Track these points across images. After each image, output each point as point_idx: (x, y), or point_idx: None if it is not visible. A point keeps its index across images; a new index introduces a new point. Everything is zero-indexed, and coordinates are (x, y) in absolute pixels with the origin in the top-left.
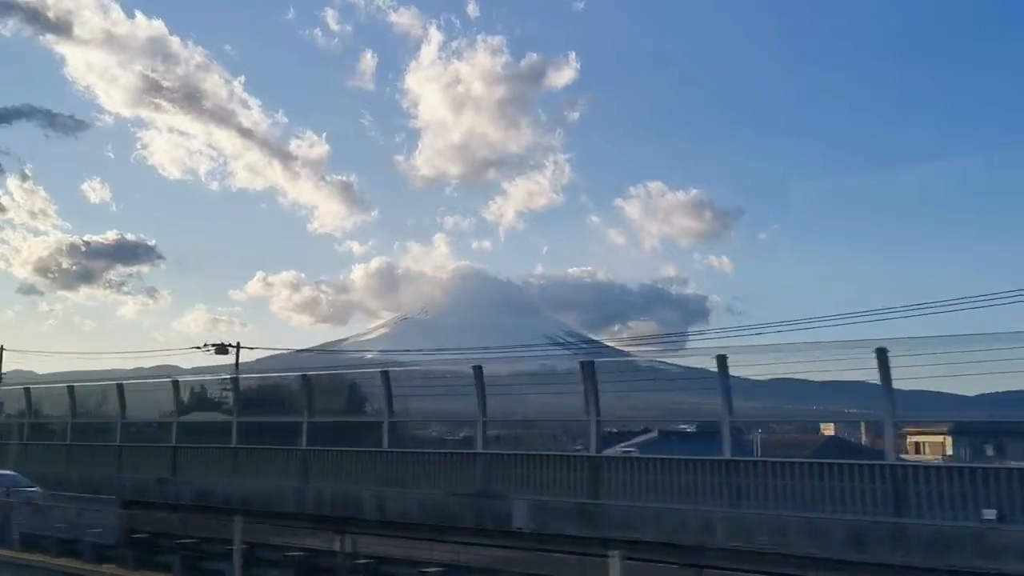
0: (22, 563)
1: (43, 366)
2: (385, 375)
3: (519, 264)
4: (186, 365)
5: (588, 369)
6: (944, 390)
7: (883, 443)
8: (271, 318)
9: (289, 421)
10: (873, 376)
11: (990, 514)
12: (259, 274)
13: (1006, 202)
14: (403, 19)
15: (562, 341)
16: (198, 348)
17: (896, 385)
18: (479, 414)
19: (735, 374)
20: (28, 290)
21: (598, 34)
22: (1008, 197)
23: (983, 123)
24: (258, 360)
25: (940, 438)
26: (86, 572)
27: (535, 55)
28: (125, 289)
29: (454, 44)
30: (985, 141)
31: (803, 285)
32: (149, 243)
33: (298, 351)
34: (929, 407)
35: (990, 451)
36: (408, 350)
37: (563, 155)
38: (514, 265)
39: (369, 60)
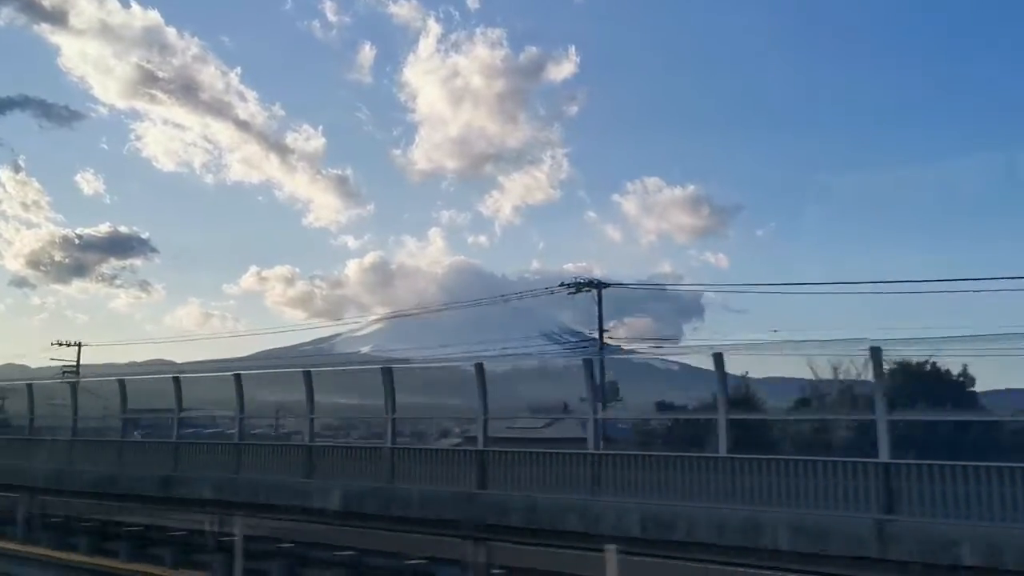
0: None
1: (36, 360)
2: (718, 356)
3: (515, 259)
4: (179, 359)
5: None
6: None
7: None
8: (265, 313)
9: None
10: None
11: None
12: (253, 268)
13: (1007, 204)
14: (403, 11)
15: (557, 338)
16: None
17: None
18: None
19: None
20: (20, 283)
21: (598, 28)
22: (1011, 198)
23: (989, 124)
24: (253, 355)
25: None
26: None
27: (535, 49)
28: (118, 282)
29: (453, 37)
30: (989, 142)
31: (802, 282)
32: (142, 236)
33: (293, 346)
34: None
35: None
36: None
37: (561, 150)
38: (510, 260)
39: (367, 53)
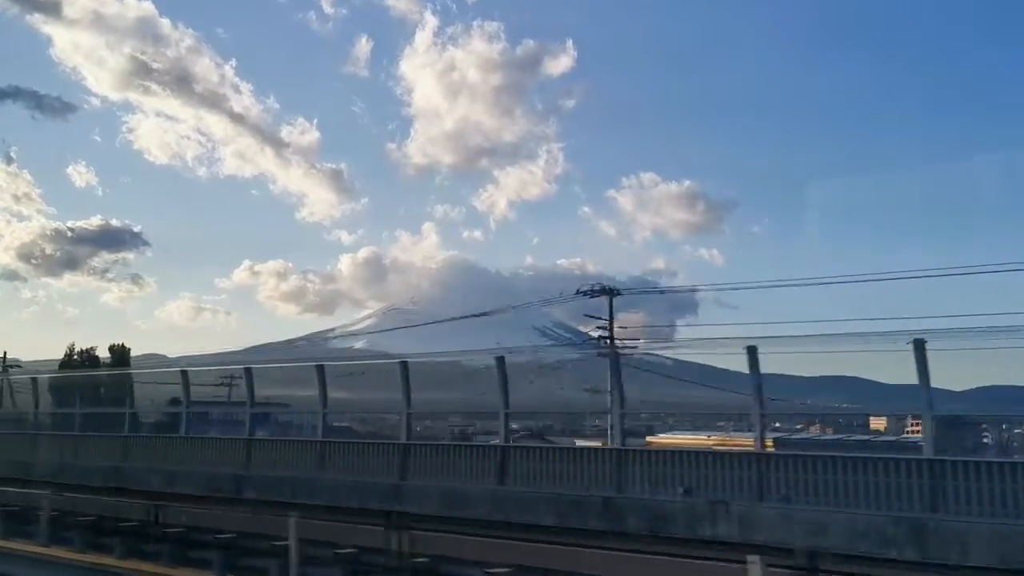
0: None
1: (28, 353)
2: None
3: (509, 255)
4: (172, 354)
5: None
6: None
7: None
8: (257, 307)
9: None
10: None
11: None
12: (246, 262)
13: (1006, 203)
14: (399, 3)
15: (550, 333)
16: None
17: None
18: None
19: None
20: (10, 276)
21: (596, 22)
22: (1010, 198)
23: (988, 123)
24: (245, 349)
25: None
26: None
27: (532, 42)
28: (109, 276)
29: (450, 30)
30: (988, 142)
31: (795, 280)
32: (135, 229)
33: (287, 341)
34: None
35: None
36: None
37: (557, 144)
38: (504, 256)
39: (363, 45)
